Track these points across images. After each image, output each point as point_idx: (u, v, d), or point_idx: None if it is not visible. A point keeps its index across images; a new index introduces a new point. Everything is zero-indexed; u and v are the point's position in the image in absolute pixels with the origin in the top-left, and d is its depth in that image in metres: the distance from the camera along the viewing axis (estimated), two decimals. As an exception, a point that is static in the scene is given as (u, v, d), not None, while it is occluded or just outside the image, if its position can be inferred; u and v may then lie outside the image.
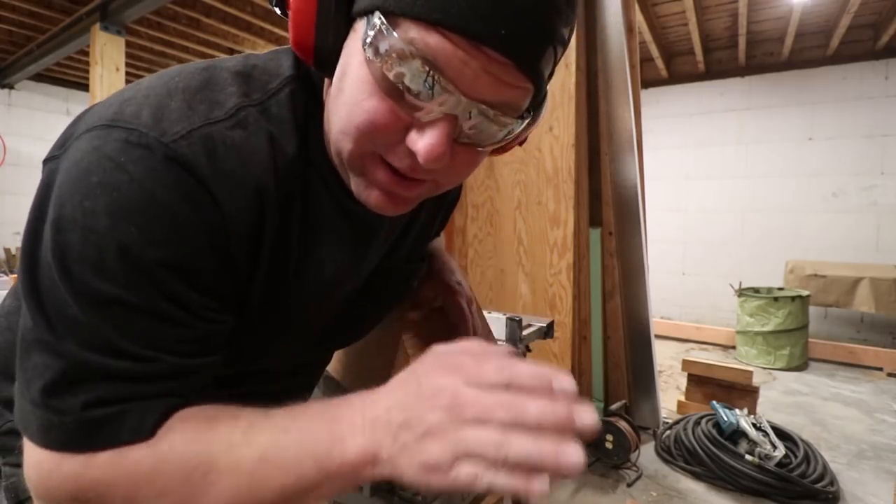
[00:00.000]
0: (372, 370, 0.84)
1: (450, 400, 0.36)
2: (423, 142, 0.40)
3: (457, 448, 0.35)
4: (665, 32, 4.89)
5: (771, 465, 2.16)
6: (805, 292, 4.17)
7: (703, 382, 2.89)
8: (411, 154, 0.42)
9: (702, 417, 2.58)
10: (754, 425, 2.38)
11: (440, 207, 0.75)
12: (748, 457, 2.19)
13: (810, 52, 4.82)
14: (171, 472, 0.38)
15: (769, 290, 4.51)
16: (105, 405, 0.39)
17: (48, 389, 0.38)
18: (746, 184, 5.21)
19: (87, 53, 4.07)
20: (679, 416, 2.81)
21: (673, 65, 5.45)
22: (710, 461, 2.26)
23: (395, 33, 0.37)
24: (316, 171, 0.50)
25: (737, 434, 2.35)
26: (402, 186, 0.46)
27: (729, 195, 5.31)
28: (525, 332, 1.35)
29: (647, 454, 2.50)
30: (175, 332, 0.41)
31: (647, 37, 4.61)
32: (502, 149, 0.50)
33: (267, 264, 0.47)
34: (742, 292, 4.37)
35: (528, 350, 1.34)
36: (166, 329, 0.40)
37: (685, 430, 2.50)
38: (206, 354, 0.44)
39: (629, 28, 2.64)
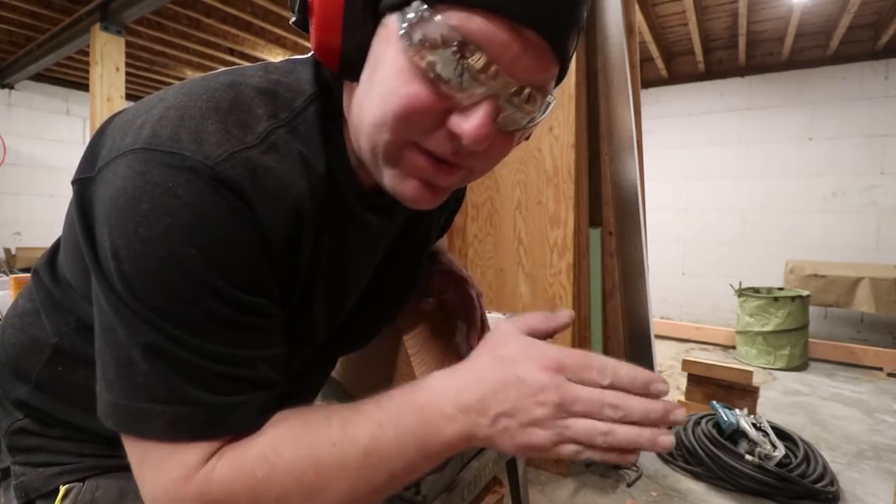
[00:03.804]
0: (373, 371, 0.84)
1: (558, 397, 0.41)
2: (468, 123, 0.41)
3: (563, 436, 0.41)
4: (665, 32, 4.89)
5: (771, 465, 2.16)
6: (805, 292, 4.17)
7: (703, 382, 2.89)
8: (452, 137, 0.43)
9: (702, 417, 2.58)
10: (754, 425, 2.38)
11: (443, 211, 0.75)
12: (748, 457, 2.19)
13: (810, 52, 4.82)
14: (283, 476, 0.41)
15: (769, 290, 4.51)
16: (227, 395, 0.42)
17: (174, 387, 0.40)
18: (746, 184, 5.21)
19: (87, 53, 4.08)
20: (679, 416, 2.82)
21: (673, 65, 5.45)
22: (710, 461, 2.26)
23: (437, 17, 0.38)
24: (337, 185, 0.50)
25: (737, 434, 2.35)
26: (442, 172, 0.46)
27: (729, 195, 5.31)
28: (525, 332, 1.35)
29: (647, 454, 2.50)
30: (249, 333, 0.43)
31: (647, 37, 4.61)
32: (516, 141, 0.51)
33: (302, 277, 0.49)
34: (742, 292, 4.37)
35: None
36: (241, 332, 0.43)
37: (685, 430, 2.50)
38: (279, 345, 0.47)
39: (629, 28, 2.64)
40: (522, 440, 0.42)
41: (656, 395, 0.42)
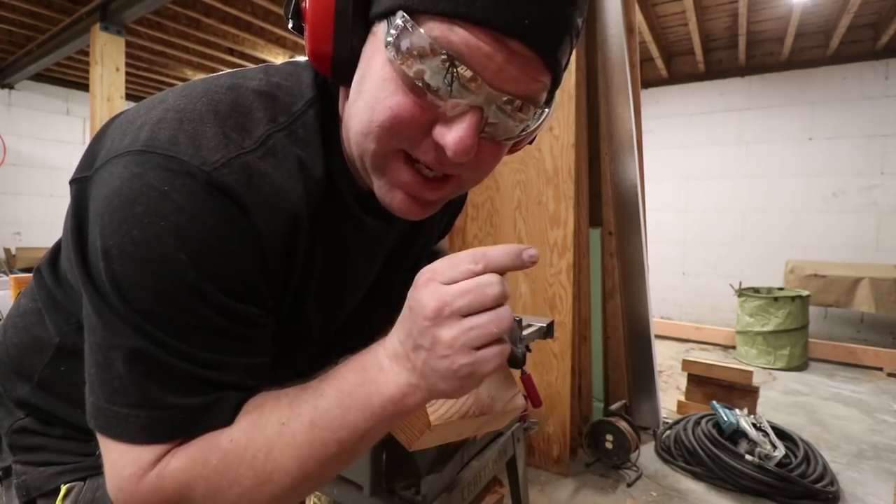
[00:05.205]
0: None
1: (436, 301, 0.39)
2: (451, 135, 0.41)
3: (472, 340, 0.39)
4: (665, 32, 4.89)
5: (771, 465, 2.16)
6: (805, 292, 4.17)
7: (703, 382, 2.89)
8: (437, 148, 0.43)
9: (702, 417, 2.58)
10: (754, 425, 2.38)
11: (444, 213, 0.75)
12: (748, 457, 2.19)
13: (810, 52, 4.82)
14: (237, 463, 0.41)
15: (769, 290, 4.52)
16: (201, 396, 0.42)
17: (148, 392, 0.41)
18: (746, 184, 5.21)
19: (87, 53, 4.08)
20: (679, 416, 2.82)
21: (673, 65, 5.45)
22: (710, 461, 2.26)
23: (420, 30, 0.38)
24: (336, 188, 0.50)
25: (737, 434, 2.35)
26: (427, 188, 0.46)
27: (729, 195, 5.31)
28: (525, 332, 1.35)
29: (647, 454, 2.50)
30: (234, 340, 0.43)
31: (647, 37, 4.61)
32: (515, 146, 0.50)
33: (296, 280, 0.49)
34: (742, 292, 4.37)
35: (528, 350, 1.34)
36: (226, 339, 0.43)
37: (685, 430, 2.50)
38: (263, 355, 0.47)
39: (629, 28, 2.64)
40: (448, 367, 0.39)
41: (532, 262, 0.41)
